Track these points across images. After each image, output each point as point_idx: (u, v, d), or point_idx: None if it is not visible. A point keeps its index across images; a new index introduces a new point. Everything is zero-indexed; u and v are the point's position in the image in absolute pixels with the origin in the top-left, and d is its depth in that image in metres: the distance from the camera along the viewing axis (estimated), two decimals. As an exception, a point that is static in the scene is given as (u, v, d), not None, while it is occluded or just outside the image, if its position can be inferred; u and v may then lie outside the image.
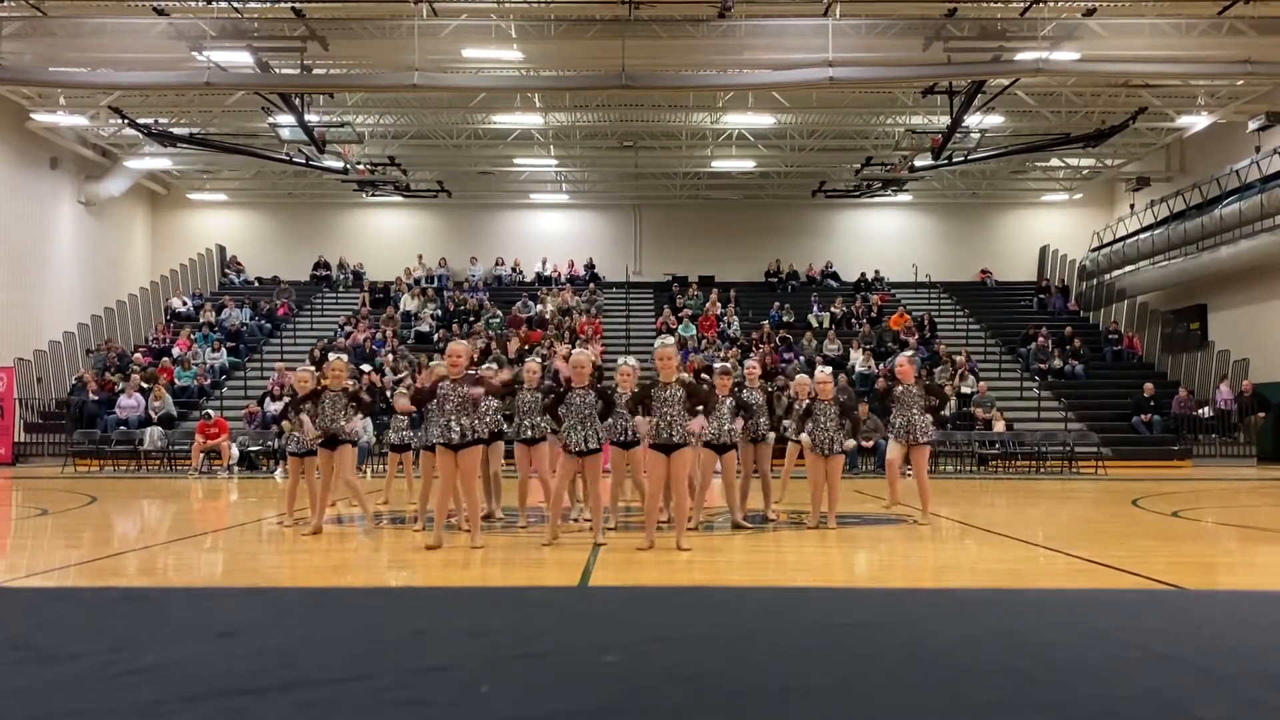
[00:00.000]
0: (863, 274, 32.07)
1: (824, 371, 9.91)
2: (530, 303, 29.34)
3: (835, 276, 32.50)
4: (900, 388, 10.02)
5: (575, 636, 4.68)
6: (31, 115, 24.70)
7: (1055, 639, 4.61)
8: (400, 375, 20.72)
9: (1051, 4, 18.96)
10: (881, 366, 25.26)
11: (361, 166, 27.93)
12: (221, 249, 33.09)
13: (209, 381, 25.32)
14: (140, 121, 24.06)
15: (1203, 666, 4.05)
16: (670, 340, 8.60)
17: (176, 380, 24.27)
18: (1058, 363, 26.31)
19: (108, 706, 3.47)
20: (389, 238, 33.23)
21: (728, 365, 10.18)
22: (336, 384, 9.15)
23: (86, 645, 4.35)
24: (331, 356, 9.47)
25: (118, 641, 4.44)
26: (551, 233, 33.48)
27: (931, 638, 4.64)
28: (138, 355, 25.70)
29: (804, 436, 9.74)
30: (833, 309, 29.09)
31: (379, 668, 3.95)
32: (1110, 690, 3.68)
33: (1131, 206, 30.73)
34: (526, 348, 24.96)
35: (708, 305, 29.11)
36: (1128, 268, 29.78)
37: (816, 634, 4.78)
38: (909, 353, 10.54)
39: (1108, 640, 4.55)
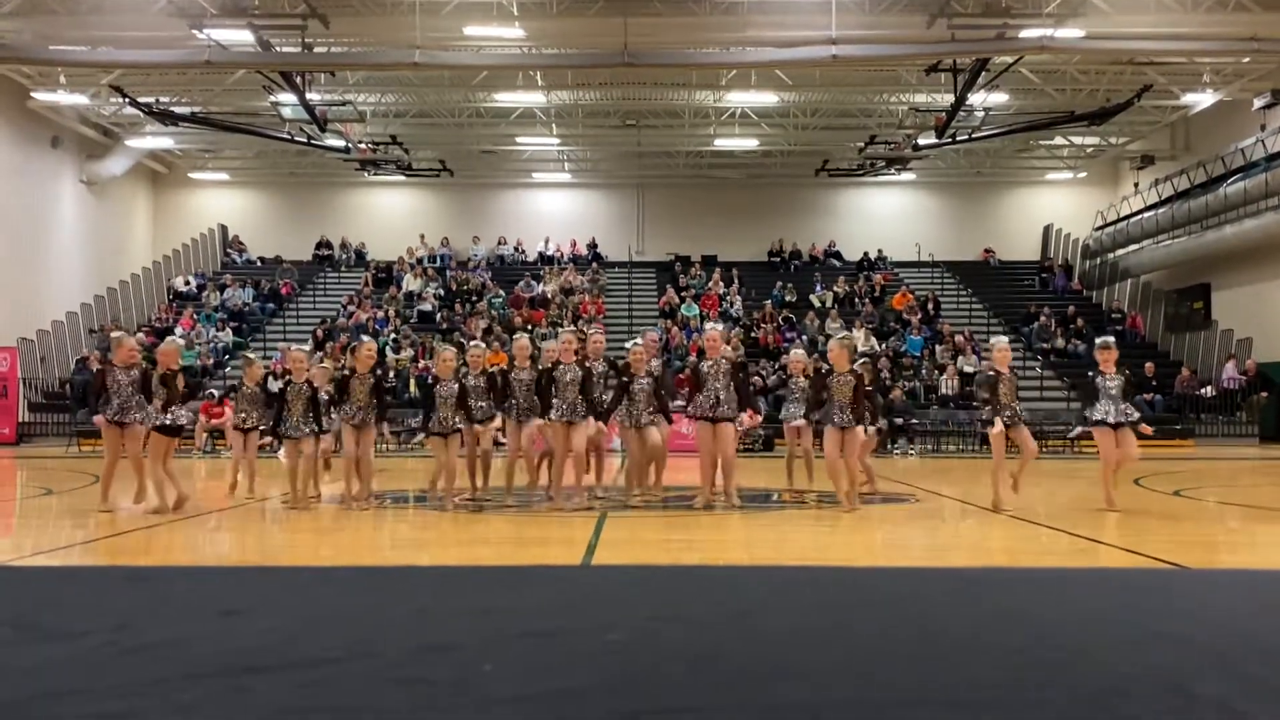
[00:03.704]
0: (866, 253, 31.99)
1: (714, 329, 9.86)
2: (533, 282, 29.31)
3: (838, 256, 32.41)
4: (707, 363, 9.41)
5: (578, 615, 4.69)
6: (32, 94, 24.61)
7: (1057, 618, 4.62)
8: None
9: (1056, -20, 18.85)
10: (883, 346, 25.23)
11: (363, 145, 27.83)
12: (223, 228, 33.04)
13: (212, 361, 25.34)
14: (141, 100, 23.96)
15: (1203, 645, 4.06)
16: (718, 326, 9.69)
17: (180, 360, 24.26)
18: (1060, 342, 26.28)
19: (112, 684, 3.49)
20: (391, 217, 33.15)
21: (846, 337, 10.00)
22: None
23: (91, 624, 4.38)
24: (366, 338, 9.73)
25: (122, 620, 4.46)
26: (554, 212, 33.39)
27: (933, 617, 4.65)
28: (140, 335, 25.70)
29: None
30: (835, 288, 29.03)
31: (382, 647, 3.97)
32: (1111, 668, 3.69)
33: (1136, 185, 30.60)
34: (529, 327, 24.95)
35: (710, 284, 29.07)
36: (1131, 247, 29.68)
37: (818, 613, 4.80)
38: (718, 326, 10.19)
39: (1108, 619, 4.57)
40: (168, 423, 9.13)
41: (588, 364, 9.68)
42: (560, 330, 10.86)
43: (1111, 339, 9.56)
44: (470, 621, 4.50)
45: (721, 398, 9.20)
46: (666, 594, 5.31)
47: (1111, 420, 9.09)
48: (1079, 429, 9.38)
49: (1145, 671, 3.68)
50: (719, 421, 9.24)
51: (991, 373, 9.37)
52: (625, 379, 9.57)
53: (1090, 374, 9.31)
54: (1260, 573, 6.29)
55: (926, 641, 4.14)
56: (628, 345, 9.91)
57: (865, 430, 9.94)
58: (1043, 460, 18.16)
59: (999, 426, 9.20)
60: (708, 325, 10.08)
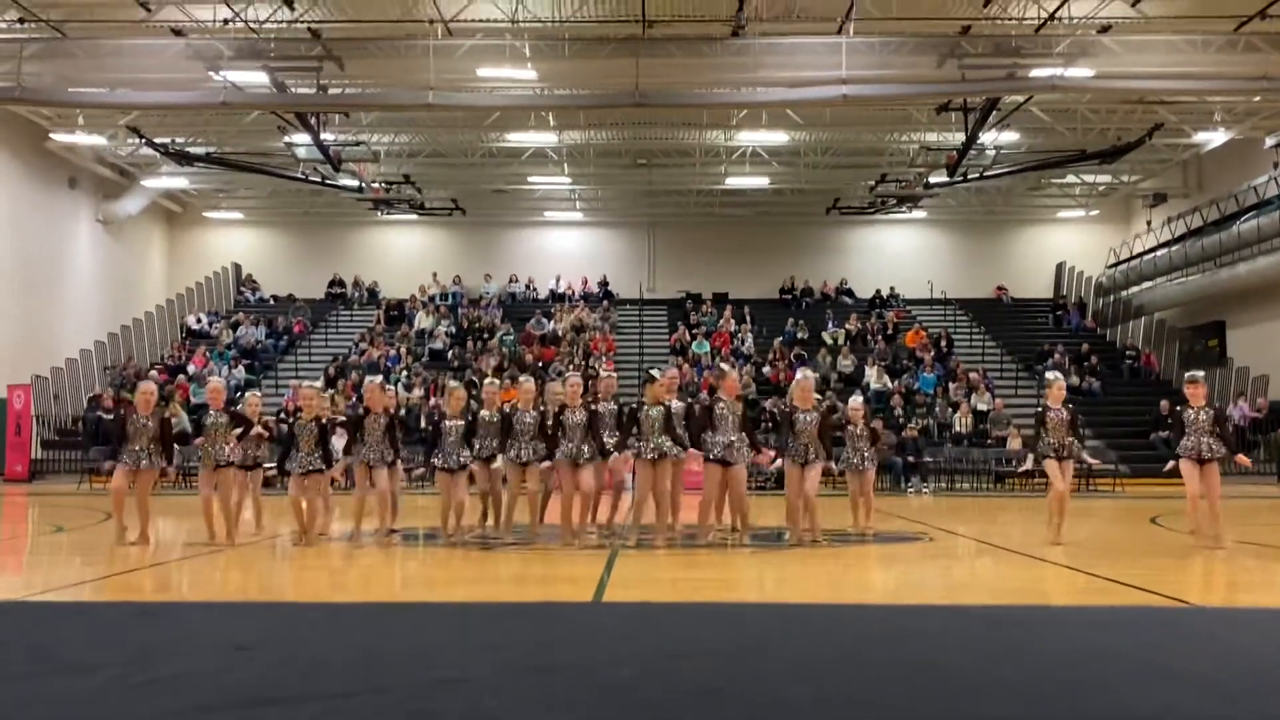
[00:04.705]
0: (878, 290, 31.99)
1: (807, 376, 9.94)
2: (544, 320, 29.39)
3: (850, 293, 32.42)
4: (721, 404, 9.49)
5: (587, 651, 4.68)
6: (51, 135, 24.91)
7: (1067, 655, 4.59)
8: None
9: (1066, 21, 18.95)
10: (896, 383, 25.16)
11: (376, 185, 28.05)
12: (237, 267, 33.26)
13: (224, 399, 25.37)
14: (158, 141, 24.23)
15: (1211, 681, 4.05)
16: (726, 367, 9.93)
17: (192, 398, 24.34)
18: (1075, 380, 26.15)
19: (126, 716, 3.49)
20: (404, 255, 33.33)
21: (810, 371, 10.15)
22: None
23: (105, 657, 4.40)
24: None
25: (136, 654, 4.48)
26: (565, 250, 33.53)
27: (942, 654, 4.63)
28: (153, 373, 25.82)
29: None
30: (847, 326, 29.02)
31: (390, 681, 3.98)
32: (1120, 706, 3.68)
33: (1148, 223, 30.60)
34: (540, 365, 24.99)
35: (721, 322, 29.10)
36: (1145, 284, 29.64)
37: (827, 649, 4.78)
38: (732, 369, 10.27)
39: (1118, 656, 4.55)
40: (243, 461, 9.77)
41: (594, 406, 9.67)
42: (566, 374, 10.85)
43: (1200, 374, 9.68)
44: (479, 657, 4.50)
45: (735, 441, 9.23)
46: (674, 630, 5.28)
47: (1202, 456, 9.13)
48: (1170, 464, 9.51)
49: (1155, 708, 3.66)
50: (730, 465, 9.25)
51: (1040, 407, 9.58)
52: (634, 407, 9.56)
53: (1178, 408, 9.39)
54: (1273, 611, 6.24)
55: (932, 676, 4.13)
56: (652, 373, 9.86)
57: (835, 465, 10.25)
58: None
59: (1030, 464, 9.74)
60: (724, 366, 10.15)
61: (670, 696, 3.80)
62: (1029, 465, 9.95)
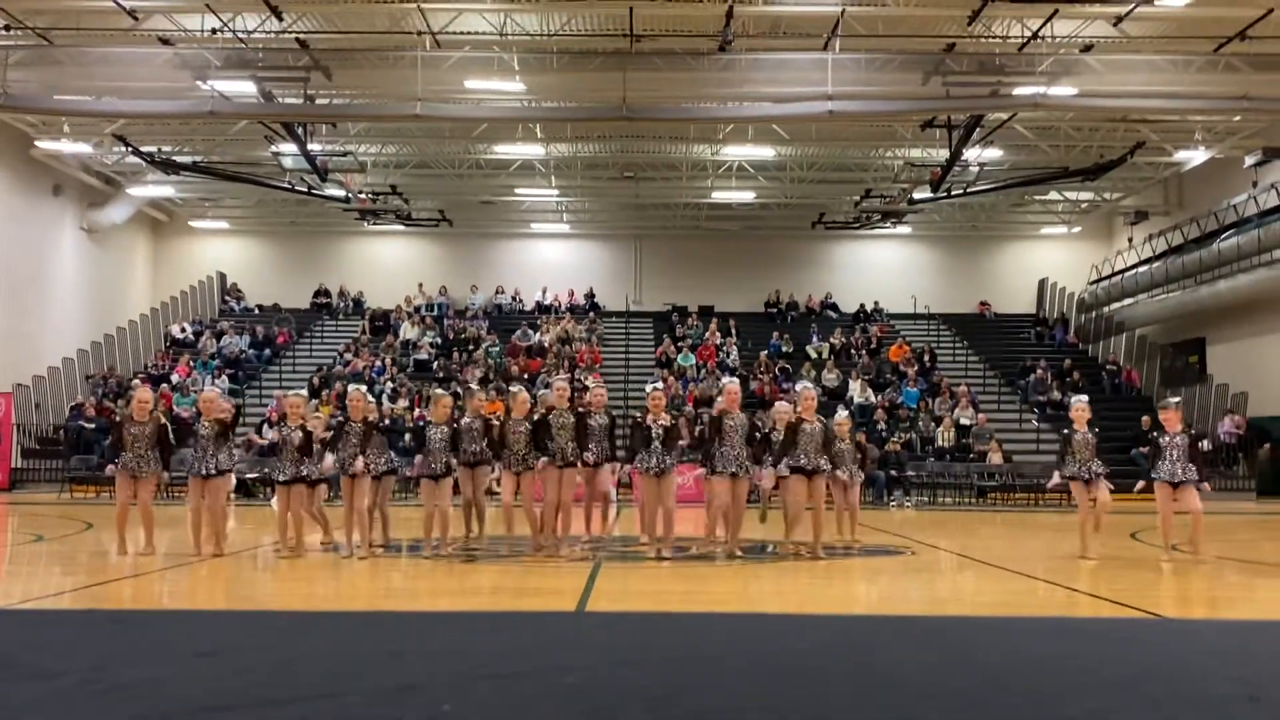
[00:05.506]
0: (862, 305, 32.14)
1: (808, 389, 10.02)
2: (530, 331, 29.39)
3: (834, 307, 32.55)
4: (730, 419, 9.50)
5: (548, 659, 4.75)
6: (36, 142, 24.83)
7: (1012, 664, 4.72)
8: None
9: (1049, 40, 19.13)
10: (879, 398, 25.23)
11: (363, 195, 28.03)
12: (222, 276, 33.17)
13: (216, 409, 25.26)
14: (144, 149, 24.19)
15: (1141, 690, 4.18)
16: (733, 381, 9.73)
17: (175, 407, 24.24)
18: (1056, 395, 26.30)
19: (87, 723, 3.52)
20: (390, 266, 33.31)
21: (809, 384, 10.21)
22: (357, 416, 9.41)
23: (69, 664, 4.42)
24: (351, 388, 9.74)
25: (100, 661, 4.52)
26: (552, 262, 33.58)
27: (893, 661, 4.74)
28: (136, 381, 25.70)
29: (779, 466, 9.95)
30: (832, 340, 29.12)
31: (349, 687, 4.04)
32: (1051, 713, 3.82)
33: (1130, 240, 30.85)
34: (526, 376, 24.97)
35: (707, 335, 29.15)
36: (1126, 300, 29.85)
37: (779, 658, 4.86)
38: (735, 380, 10.45)
39: (1062, 665, 4.66)
40: (304, 474, 9.36)
41: (582, 412, 9.71)
42: (553, 380, 10.90)
43: (1175, 400, 9.97)
44: (441, 664, 4.56)
45: (741, 455, 9.28)
46: (639, 639, 5.33)
47: (1175, 479, 9.40)
48: (1140, 483, 9.77)
49: (1084, 715, 3.78)
50: (738, 478, 9.31)
51: (1066, 430, 10.00)
52: (637, 419, 9.59)
53: (1154, 434, 9.63)
54: (1234, 623, 6.34)
55: (883, 684, 4.23)
56: (646, 389, 9.92)
57: (845, 474, 10.50)
58: (1040, 513, 18.14)
59: (1056, 480, 10.10)
60: (725, 379, 10.18)
61: (619, 701, 3.88)
62: (1055, 482, 10.25)
